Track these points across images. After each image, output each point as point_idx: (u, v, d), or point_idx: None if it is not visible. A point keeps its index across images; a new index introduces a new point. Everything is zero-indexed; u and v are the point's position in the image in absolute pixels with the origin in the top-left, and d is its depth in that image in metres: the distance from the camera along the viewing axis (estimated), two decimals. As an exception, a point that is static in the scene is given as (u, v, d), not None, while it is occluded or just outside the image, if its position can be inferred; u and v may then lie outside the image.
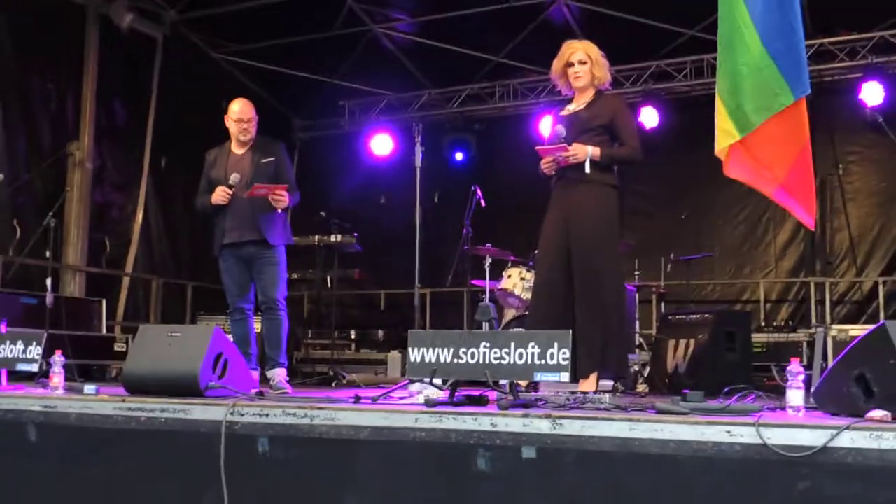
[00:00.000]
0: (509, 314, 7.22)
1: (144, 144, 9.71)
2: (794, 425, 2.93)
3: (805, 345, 7.77)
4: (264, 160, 5.56)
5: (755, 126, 4.71)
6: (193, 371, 4.15)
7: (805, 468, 2.84)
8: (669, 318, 7.00)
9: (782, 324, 8.79)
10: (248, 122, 5.59)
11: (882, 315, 8.72)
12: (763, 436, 2.91)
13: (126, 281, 9.44)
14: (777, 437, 2.90)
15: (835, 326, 7.21)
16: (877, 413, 2.98)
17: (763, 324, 9.00)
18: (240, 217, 5.48)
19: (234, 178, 5.44)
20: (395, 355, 9.33)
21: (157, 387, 4.15)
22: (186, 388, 4.12)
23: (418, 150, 5.55)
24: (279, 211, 5.45)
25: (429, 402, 3.63)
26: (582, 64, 4.86)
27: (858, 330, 6.30)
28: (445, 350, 3.91)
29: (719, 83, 4.90)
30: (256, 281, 5.56)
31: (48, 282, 6.34)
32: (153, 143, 9.75)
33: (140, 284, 9.63)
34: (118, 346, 7.75)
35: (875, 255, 9.33)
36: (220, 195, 5.45)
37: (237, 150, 5.65)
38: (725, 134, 4.82)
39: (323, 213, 8.60)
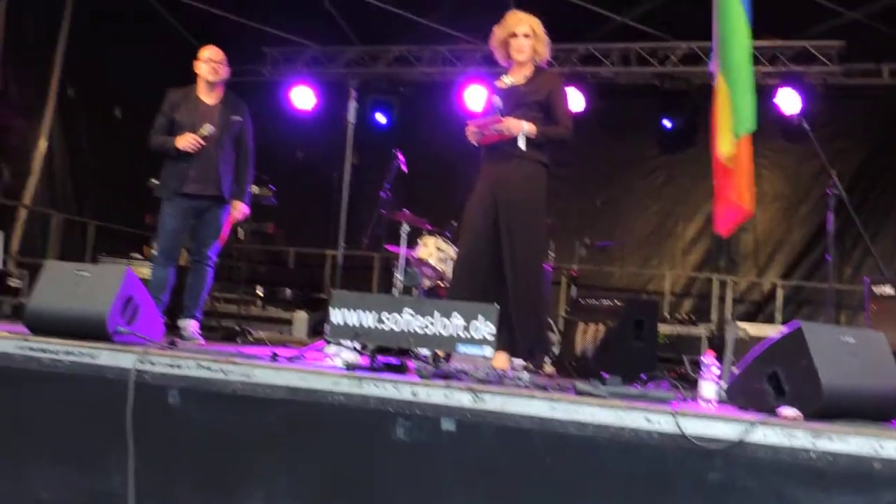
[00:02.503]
0: (422, 284, 7.17)
1: (52, 72, 9.21)
2: (711, 417, 2.99)
3: (705, 339, 7.99)
4: (234, 117, 5.60)
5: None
6: (101, 313, 3.96)
7: (719, 459, 2.91)
8: (581, 301, 7.08)
9: (685, 317, 9.03)
10: (220, 63, 5.60)
11: (779, 316, 9.07)
12: (681, 425, 2.96)
13: (23, 214, 8.98)
14: (694, 427, 2.96)
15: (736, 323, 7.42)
16: (789, 411, 3.07)
17: (667, 315, 9.23)
18: (204, 170, 5.45)
19: (208, 129, 5.39)
20: (301, 315, 9.18)
21: (61, 327, 3.93)
22: (93, 330, 3.93)
23: (352, 105, 5.44)
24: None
25: (349, 366, 3.57)
26: (526, 37, 4.82)
27: (755, 328, 6.48)
28: (369, 314, 3.84)
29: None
30: (198, 232, 5.55)
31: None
32: (62, 72, 9.23)
33: (38, 218, 9.17)
34: (13, 282, 7.37)
35: (776, 259, 9.65)
36: (190, 142, 5.37)
37: (206, 99, 5.60)
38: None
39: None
